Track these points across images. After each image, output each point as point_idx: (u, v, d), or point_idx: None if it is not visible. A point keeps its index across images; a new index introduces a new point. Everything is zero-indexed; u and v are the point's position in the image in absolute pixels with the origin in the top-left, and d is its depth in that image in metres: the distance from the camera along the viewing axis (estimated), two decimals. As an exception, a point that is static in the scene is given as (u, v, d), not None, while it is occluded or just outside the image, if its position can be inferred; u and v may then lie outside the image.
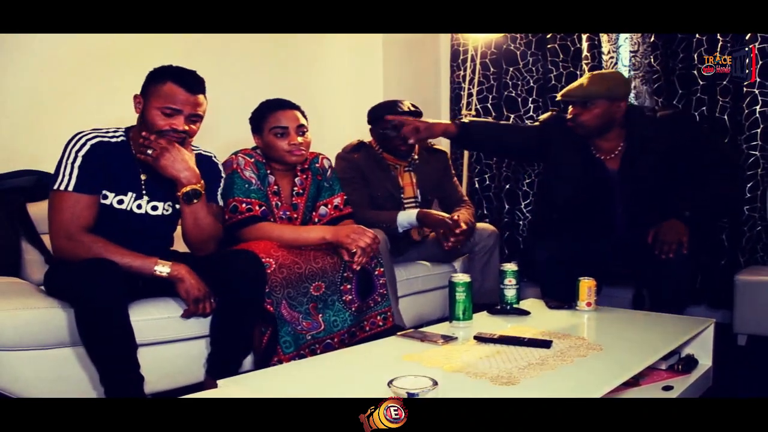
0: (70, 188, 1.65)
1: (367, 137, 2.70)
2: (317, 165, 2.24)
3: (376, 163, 2.60)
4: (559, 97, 2.48)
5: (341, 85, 3.49)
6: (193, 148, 1.87)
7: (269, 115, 2.10)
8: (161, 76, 1.72)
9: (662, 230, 2.21)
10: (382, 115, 2.57)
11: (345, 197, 2.27)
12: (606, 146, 2.42)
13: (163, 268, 1.69)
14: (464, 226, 2.40)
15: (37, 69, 2.36)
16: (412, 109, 2.59)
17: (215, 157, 1.96)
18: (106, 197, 1.73)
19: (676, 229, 2.19)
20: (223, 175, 1.96)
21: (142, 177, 1.78)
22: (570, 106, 2.40)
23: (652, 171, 2.35)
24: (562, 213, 2.52)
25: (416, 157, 2.66)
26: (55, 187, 1.66)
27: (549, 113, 2.65)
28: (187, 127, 1.75)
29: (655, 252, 2.20)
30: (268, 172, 2.13)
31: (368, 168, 2.58)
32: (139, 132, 1.74)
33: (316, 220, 2.20)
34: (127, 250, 1.67)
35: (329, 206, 2.22)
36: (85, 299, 1.52)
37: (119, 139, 1.76)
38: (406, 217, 2.47)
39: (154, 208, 1.81)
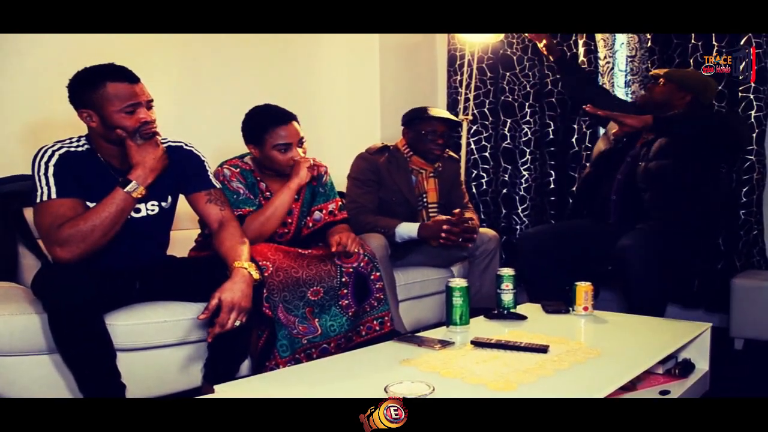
0: (53, 196, 1.61)
1: (362, 141, 2.71)
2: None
3: (399, 168, 2.61)
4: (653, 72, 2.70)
5: (338, 89, 3.49)
6: (161, 140, 1.82)
7: (271, 130, 2.06)
8: (96, 81, 1.65)
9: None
10: (425, 116, 2.60)
11: (340, 203, 2.27)
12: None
13: (130, 185, 1.65)
14: (465, 217, 2.46)
15: (35, 72, 2.36)
16: (455, 119, 2.66)
17: (186, 144, 1.90)
18: (88, 208, 1.68)
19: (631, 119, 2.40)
20: (203, 158, 1.91)
21: (120, 179, 1.72)
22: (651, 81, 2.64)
23: (662, 152, 2.45)
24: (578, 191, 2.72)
25: (439, 164, 2.69)
26: (37, 200, 1.62)
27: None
28: (150, 116, 1.72)
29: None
30: (258, 179, 2.13)
31: (388, 171, 2.59)
32: (106, 140, 1.71)
33: (311, 225, 2.20)
34: (97, 205, 1.63)
35: (324, 211, 2.22)
36: (56, 308, 1.52)
37: (84, 148, 1.73)
38: (407, 230, 2.48)
39: (137, 210, 1.77)
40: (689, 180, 2.42)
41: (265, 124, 2.08)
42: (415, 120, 2.62)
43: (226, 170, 2.08)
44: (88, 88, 1.65)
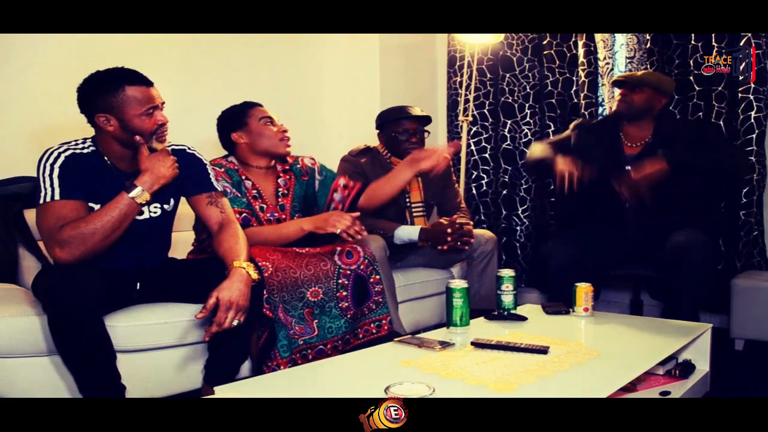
0: (56, 197, 1.61)
1: (362, 142, 2.71)
2: (298, 166, 2.26)
3: (382, 168, 2.61)
4: (615, 78, 2.67)
5: (338, 91, 3.49)
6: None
7: (252, 110, 2.17)
8: (114, 85, 1.66)
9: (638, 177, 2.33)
10: (393, 118, 2.59)
11: (342, 180, 2.32)
12: (634, 134, 2.58)
13: (135, 191, 1.65)
14: (461, 221, 2.46)
15: (35, 73, 2.36)
16: (423, 113, 2.63)
17: (189, 147, 1.91)
18: (92, 209, 1.69)
19: (650, 174, 2.31)
20: (205, 161, 1.92)
21: (126, 184, 1.72)
22: (621, 89, 2.59)
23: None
24: (581, 203, 2.59)
25: None
26: (41, 201, 1.62)
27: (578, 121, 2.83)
28: (166, 119, 1.75)
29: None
30: (243, 177, 2.14)
31: (373, 173, 2.59)
32: (121, 143, 1.72)
33: (333, 206, 2.28)
34: (100, 209, 1.63)
35: (338, 190, 2.29)
36: (56, 309, 1.52)
37: (89, 150, 1.73)
38: (407, 232, 2.49)
39: (140, 212, 1.77)
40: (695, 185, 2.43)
41: (242, 108, 2.18)
42: (385, 123, 2.63)
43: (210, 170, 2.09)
44: (107, 92, 1.66)
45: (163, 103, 1.76)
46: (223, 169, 2.11)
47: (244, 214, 2.05)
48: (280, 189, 2.19)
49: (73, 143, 1.73)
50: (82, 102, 1.70)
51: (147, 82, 1.72)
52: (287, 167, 2.23)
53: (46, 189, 1.62)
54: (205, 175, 1.90)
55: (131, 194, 1.65)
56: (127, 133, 1.70)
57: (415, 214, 2.64)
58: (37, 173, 1.66)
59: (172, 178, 1.74)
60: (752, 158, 2.74)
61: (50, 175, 1.64)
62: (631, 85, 2.54)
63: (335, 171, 2.61)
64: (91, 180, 1.69)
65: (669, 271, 2.32)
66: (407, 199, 2.64)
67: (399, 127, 2.58)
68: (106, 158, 1.75)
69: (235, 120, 2.15)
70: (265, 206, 2.13)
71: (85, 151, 1.72)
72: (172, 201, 1.87)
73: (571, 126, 2.79)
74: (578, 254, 2.42)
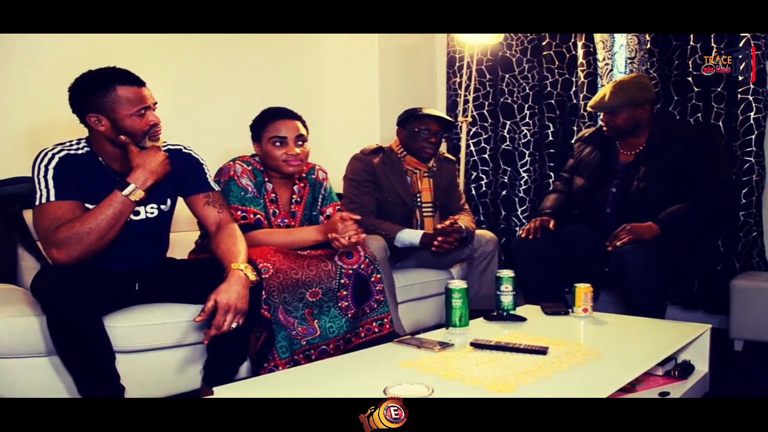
0: (52, 198, 1.61)
1: (363, 144, 2.72)
2: (313, 176, 2.26)
3: (393, 168, 2.63)
4: (588, 108, 2.72)
5: (337, 92, 3.49)
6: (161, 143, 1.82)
7: (269, 124, 2.10)
8: (105, 85, 1.65)
9: (629, 226, 2.36)
10: (419, 114, 2.62)
11: (338, 207, 2.28)
12: (630, 141, 2.62)
13: (129, 188, 1.64)
14: (456, 226, 2.47)
15: (36, 74, 2.36)
16: (448, 119, 2.68)
17: (185, 147, 1.90)
18: (87, 210, 1.67)
19: (641, 230, 2.33)
20: (202, 161, 1.91)
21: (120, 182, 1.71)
22: (601, 114, 2.64)
23: (659, 169, 2.47)
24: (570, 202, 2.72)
25: (434, 164, 2.70)
26: (36, 203, 1.62)
27: (588, 131, 2.85)
28: (158, 119, 1.74)
29: (606, 243, 2.36)
30: (266, 179, 2.14)
31: (383, 173, 2.60)
32: (113, 143, 1.71)
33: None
34: (95, 208, 1.62)
35: (323, 216, 2.24)
36: (55, 309, 1.51)
37: (84, 151, 1.73)
38: (409, 236, 2.49)
39: (136, 213, 1.77)
40: (681, 194, 2.43)
41: (265, 118, 2.13)
42: (410, 118, 2.64)
43: (238, 166, 2.09)
44: (98, 92, 1.65)
45: (156, 103, 1.74)
46: (250, 167, 2.11)
47: (258, 216, 2.05)
48: (294, 196, 2.19)
49: (67, 144, 1.72)
50: (74, 102, 1.69)
51: (139, 82, 1.70)
52: (303, 175, 2.23)
53: (41, 190, 1.62)
54: (202, 174, 1.89)
55: (124, 192, 1.64)
56: (118, 134, 1.68)
57: (425, 214, 2.65)
58: (32, 174, 1.65)
59: (164, 174, 1.73)
60: (751, 159, 2.74)
61: (45, 177, 1.63)
62: (609, 111, 2.55)
63: (339, 170, 2.62)
64: (86, 180, 1.69)
65: (615, 272, 2.39)
66: (418, 199, 2.65)
67: (422, 124, 2.60)
68: (100, 158, 1.74)
69: (255, 130, 2.15)
70: (277, 211, 2.14)
71: (80, 151, 1.72)
72: (168, 201, 1.86)
73: (574, 144, 2.88)
74: (542, 243, 2.54)
